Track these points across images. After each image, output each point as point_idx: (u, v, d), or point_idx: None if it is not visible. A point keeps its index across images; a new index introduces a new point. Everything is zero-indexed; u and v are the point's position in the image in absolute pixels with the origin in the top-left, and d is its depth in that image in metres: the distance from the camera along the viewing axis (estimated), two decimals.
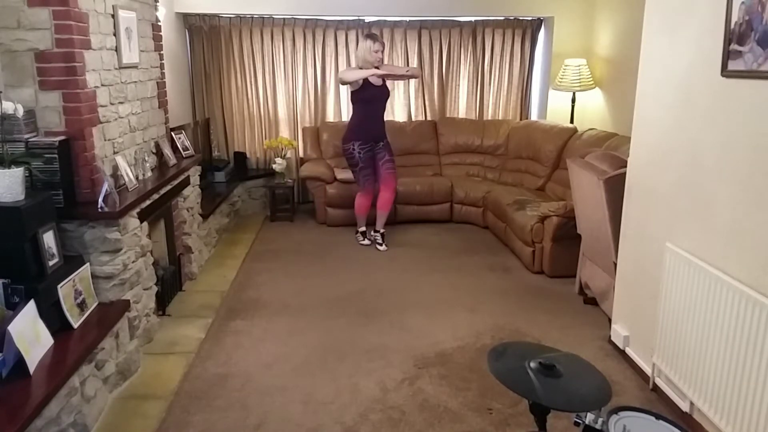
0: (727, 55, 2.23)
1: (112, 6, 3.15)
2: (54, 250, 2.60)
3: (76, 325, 2.60)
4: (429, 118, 6.22)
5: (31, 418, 2.00)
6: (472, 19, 5.97)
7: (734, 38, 2.19)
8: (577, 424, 1.68)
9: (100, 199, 2.84)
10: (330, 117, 6.18)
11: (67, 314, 2.56)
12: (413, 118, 6.22)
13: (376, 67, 4.69)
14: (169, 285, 3.78)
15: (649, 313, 2.82)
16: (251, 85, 5.99)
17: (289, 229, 5.52)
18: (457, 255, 4.70)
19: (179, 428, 2.53)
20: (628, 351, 3.06)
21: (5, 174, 2.38)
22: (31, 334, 2.29)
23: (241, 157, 6.08)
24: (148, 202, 3.29)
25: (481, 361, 3.05)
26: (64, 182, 2.76)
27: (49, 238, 2.57)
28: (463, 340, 3.31)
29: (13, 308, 2.30)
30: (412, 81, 5.99)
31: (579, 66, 5.51)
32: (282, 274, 4.33)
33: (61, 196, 2.75)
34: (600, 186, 3.19)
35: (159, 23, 3.94)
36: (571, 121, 5.70)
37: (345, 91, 6.11)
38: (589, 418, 1.66)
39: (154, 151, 3.82)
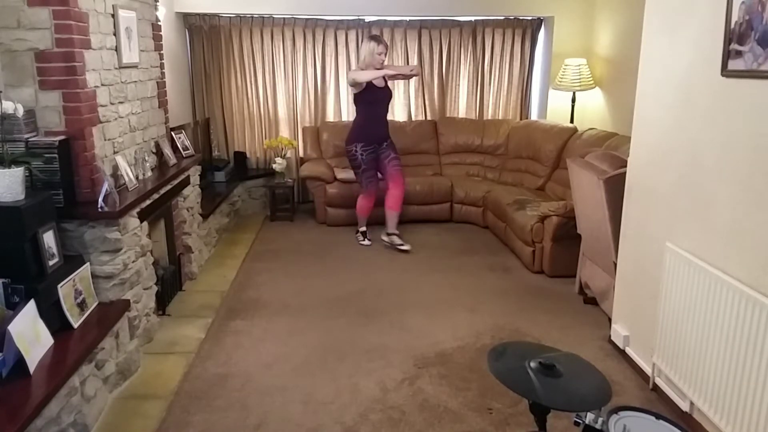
0: (727, 55, 2.23)
1: (112, 6, 3.15)
2: (54, 249, 2.60)
3: (76, 325, 2.60)
4: (429, 118, 6.22)
5: (31, 417, 2.00)
6: (472, 18, 5.97)
7: (734, 38, 2.19)
8: (577, 424, 1.68)
9: (100, 199, 2.84)
10: (330, 117, 6.18)
11: (67, 314, 2.56)
12: (413, 118, 6.22)
13: (379, 69, 4.67)
14: (169, 285, 3.78)
15: (649, 313, 2.82)
16: (251, 85, 5.99)
17: (289, 229, 5.52)
18: (457, 255, 4.70)
19: (179, 428, 2.53)
20: (628, 351, 3.06)
21: (5, 174, 2.38)
22: (31, 334, 2.29)
23: (241, 156, 6.08)
24: (148, 202, 3.29)
25: (481, 361, 3.05)
26: (64, 182, 2.76)
27: (49, 238, 2.57)
28: (463, 340, 3.31)
29: (13, 308, 2.30)
30: (413, 80, 5.99)
31: (579, 66, 5.51)
32: (282, 274, 4.33)
33: (61, 196, 2.75)
34: (600, 186, 3.19)
35: (159, 23, 3.94)
36: (571, 121, 5.70)
37: (345, 91, 6.11)
38: (589, 418, 1.66)
39: (154, 150, 3.82)
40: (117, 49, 3.21)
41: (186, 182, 4.10)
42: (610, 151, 3.77)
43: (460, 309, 3.72)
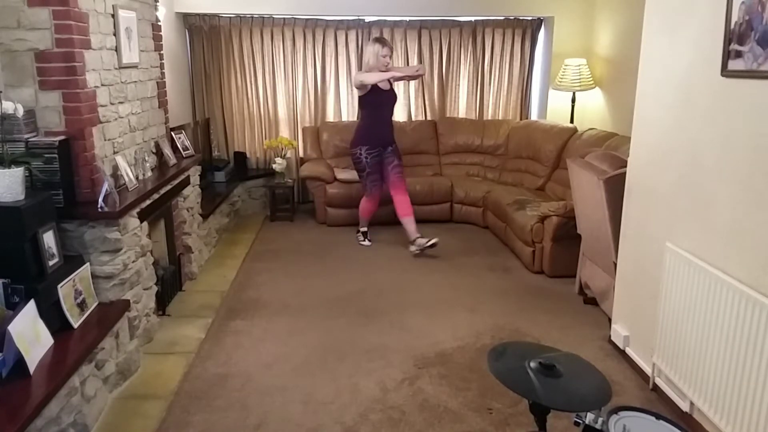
0: (727, 55, 2.23)
1: (112, 6, 3.15)
2: (54, 250, 2.60)
3: (76, 325, 2.60)
4: (429, 118, 6.22)
5: (31, 418, 2.00)
6: (472, 19, 5.97)
7: (734, 38, 2.19)
8: (577, 424, 1.68)
9: (100, 199, 2.84)
10: (330, 117, 6.18)
11: (67, 314, 2.56)
12: (413, 118, 6.22)
13: (384, 71, 4.63)
14: (169, 285, 3.78)
15: (649, 313, 2.82)
16: (251, 85, 5.99)
17: (289, 229, 5.52)
18: (457, 255, 4.70)
19: (179, 428, 2.53)
20: (628, 351, 3.06)
21: (5, 174, 2.38)
22: (31, 334, 2.29)
23: (241, 157, 6.08)
24: (148, 202, 3.29)
25: (481, 361, 3.05)
26: (64, 182, 2.76)
27: (49, 238, 2.57)
28: (463, 340, 3.31)
29: (13, 308, 2.30)
30: (413, 81, 5.98)
31: (579, 66, 5.51)
32: (282, 274, 4.33)
33: (61, 196, 2.75)
34: (600, 186, 3.19)
35: (159, 23, 3.94)
36: (571, 121, 5.70)
37: (345, 91, 6.11)
38: (589, 418, 1.66)
39: (154, 151, 3.82)
40: (117, 49, 3.21)
41: (186, 182, 4.10)
42: (610, 151, 3.77)
43: (460, 309, 3.72)
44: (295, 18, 5.81)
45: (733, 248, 2.22)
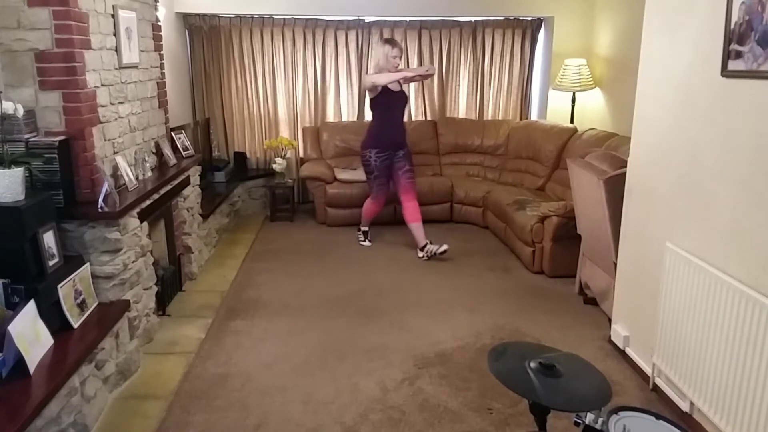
0: (727, 55, 2.23)
1: (112, 6, 3.15)
2: (54, 250, 2.60)
3: (76, 325, 2.60)
4: (429, 118, 6.22)
5: (31, 418, 2.00)
6: (472, 19, 5.97)
7: (734, 38, 2.19)
8: (577, 424, 1.68)
9: (100, 199, 2.84)
10: (330, 117, 6.18)
11: (67, 314, 2.56)
12: (413, 118, 6.22)
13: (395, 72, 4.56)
14: (169, 285, 3.78)
15: (649, 313, 2.82)
16: (251, 85, 5.99)
17: (289, 229, 5.52)
18: (457, 255, 4.70)
19: (179, 428, 2.53)
20: (628, 351, 3.06)
21: (5, 174, 2.38)
22: (31, 334, 2.29)
23: (241, 157, 6.08)
24: (148, 202, 3.29)
25: (481, 361, 3.05)
26: (64, 182, 2.76)
27: (49, 238, 2.57)
28: (463, 340, 3.31)
29: (13, 308, 2.30)
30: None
31: (579, 66, 5.51)
32: (282, 274, 4.33)
33: (61, 196, 2.75)
34: (600, 186, 3.19)
35: (159, 23, 3.94)
36: (571, 121, 5.70)
37: (345, 91, 6.11)
38: (589, 418, 1.66)
39: (154, 151, 3.82)
40: (117, 49, 3.21)
41: (186, 182, 4.10)
42: (610, 151, 3.77)
43: (460, 309, 3.72)
44: (295, 18, 5.81)
45: (733, 248, 2.22)
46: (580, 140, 4.93)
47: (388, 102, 4.63)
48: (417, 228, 4.68)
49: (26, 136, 2.68)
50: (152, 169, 3.69)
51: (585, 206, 3.56)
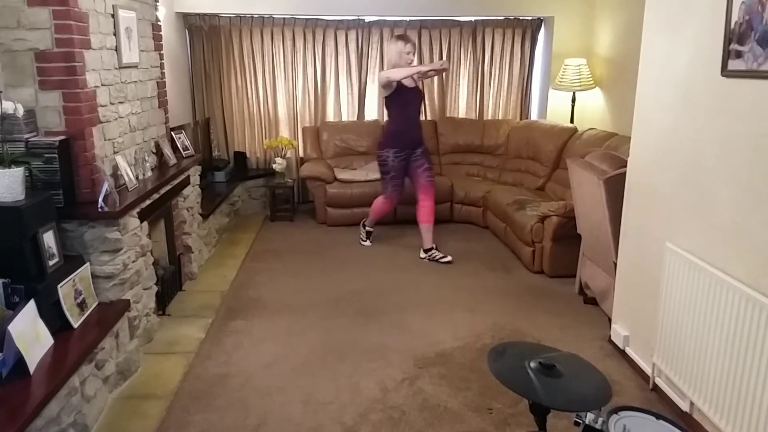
0: (727, 55, 2.23)
1: (112, 6, 3.15)
2: (54, 249, 2.60)
3: (76, 325, 2.60)
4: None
5: (31, 418, 2.00)
6: (472, 19, 5.97)
7: (734, 38, 2.19)
8: (577, 424, 1.68)
9: (100, 199, 2.84)
10: (330, 117, 6.18)
11: (67, 314, 2.56)
12: None
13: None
14: (169, 285, 3.78)
15: (649, 313, 2.82)
16: (251, 85, 5.99)
17: (289, 229, 5.52)
18: (457, 255, 4.69)
19: (179, 428, 2.53)
20: (628, 351, 3.06)
21: (5, 174, 2.38)
22: (31, 334, 2.29)
23: (241, 157, 6.08)
24: (148, 202, 3.29)
25: (481, 361, 3.05)
26: (64, 182, 2.76)
27: (49, 238, 2.57)
28: (463, 340, 3.31)
29: (13, 308, 2.30)
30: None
31: (579, 66, 5.51)
32: (282, 273, 4.33)
33: (61, 196, 2.75)
34: (600, 186, 3.19)
35: (159, 23, 3.94)
36: (571, 121, 5.70)
37: (345, 91, 6.11)
38: (589, 418, 1.66)
39: (154, 150, 3.82)
40: (117, 49, 3.21)
41: (186, 182, 4.10)
42: (610, 151, 3.77)
43: (460, 309, 3.72)
44: (295, 18, 5.81)
45: (733, 248, 2.22)
46: (580, 140, 4.93)
47: (403, 99, 4.52)
48: (427, 229, 4.63)
49: (26, 135, 2.68)
50: (152, 169, 3.69)
51: (585, 206, 3.56)
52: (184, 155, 4.25)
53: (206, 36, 5.78)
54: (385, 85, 4.49)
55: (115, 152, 3.18)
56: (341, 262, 4.57)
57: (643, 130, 2.92)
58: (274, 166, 5.75)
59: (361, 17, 5.88)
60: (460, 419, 2.59)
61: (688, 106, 2.52)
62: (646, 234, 2.88)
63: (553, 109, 5.95)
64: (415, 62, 4.72)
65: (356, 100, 6.15)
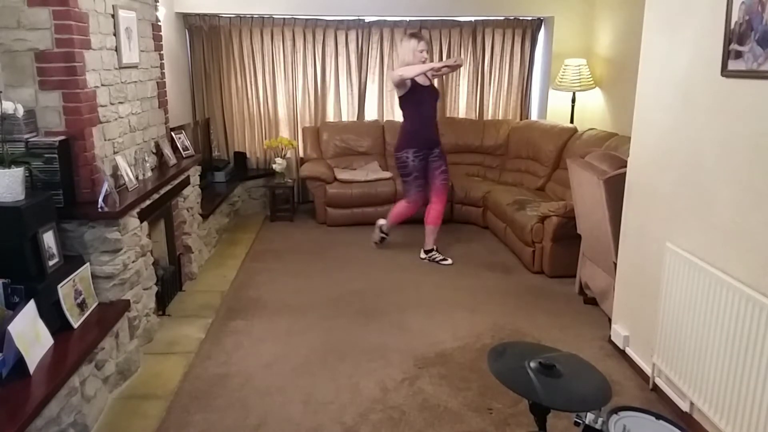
0: (727, 55, 2.23)
1: (112, 6, 3.15)
2: (54, 250, 2.60)
3: (76, 325, 2.60)
4: None
5: (31, 418, 2.00)
6: (472, 19, 5.97)
7: (734, 38, 2.19)
8: (577, 424, 1.68)
9: (100, 199, 2.84)
10: (330, 117, 6.18)
11: (67, 314, 2.56)
12: None
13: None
14: (169, 285, 3.78)
15: (649, 313, 2.82)
16: (251, 85, 5.99)
17: (289, 229, 5.52)
18: (457, 255, 4.69)
19: (179, 428, 2.53)
20: (628, 351, 3.06)
21: (5, 174, 2.38)
22: (31, 334, 2.29)
23: (241, 157, 6.08)
24: (148, 202, 3.29)
25: (481, 361, 3.05)
26: (64, 182, 2.76)
27: (49, 238, 2.57)
28: (463, 340, 3.31)
29: (13, 308, 2.30)
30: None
31: (579, 66, 5.51)
32: (282, 273, 4.33)
33: (61, 196, 2.75)
34: (600, 186, 3.19)
35: (159, 23, 3.94)
36: (571, 121, 5.70)
37: (345, 91, 6.11)
38: (589, 418, 1.66)
39: (154, 151, 3.82)
40: (117, 49, 3.21)
41: (186, 182, 4.10)
42: (610, 151, 3.78)
43: (460, 309, 3.72)
44: (295, 18, 5.81)
45: (733, 248, 2.22)
46: (580, 140, 4.93)
47: (418, 98, 4.40)
48: (432, 231, 4.59)
49: (26, 136, 2.68)
50: (152, 169, 3.69)
51: (585, 206, 3.56)
52: (184, 155, 4.25)
53: (206, 36, 5.78)
54: (398, 83, 4.36)
55: (115, 152, 3.18)
56: (341, 262, 4.57)
57: (643, 130, 2.92)
58: (274, 166, 5.75)
59: (361, 17, 5.88)
60: (460, 419, 2.59)
61: (688, 106, 2.52)
62: (646, 234, 2.88)
63: (553, 109, 5.95)
64: (428, 60, 4.54)
65: (356, 100, 6.16)
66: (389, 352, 3.17)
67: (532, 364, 1.76)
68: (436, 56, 6.03)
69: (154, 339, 3.32)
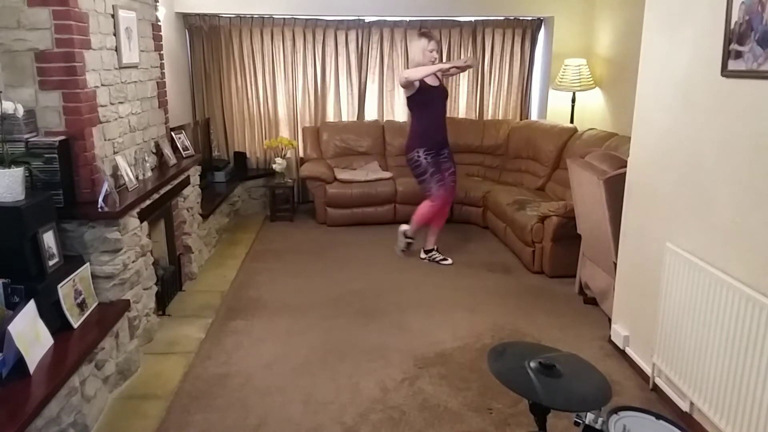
0: (727, 55, 2.23)
1: (112, 6, 3.15)
2: (54, 249, 2.60)
3: (76, 325, 2.60)
4: None
5: (31, 418, 2.00)
6: (472, 19, 5.97)
7: (734, 38, 2.19)
8: (577, 424, 1.68)
9: (100, 199, 2.84)
10: (330, 117, 6.18)
11: (67, 314, 2.56)
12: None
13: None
14: (169, 285, 3.78)
15: (649, 313, 2.82)
16: (251, 85, 5.99)
17: (289, 229, 5.52)
18: (457, 255, 4.69)
19: (179, 428, 2.53)
20: (628, 351, 3.06)
21: (5, 174, 2.38)
22: (31, 334, 2.29)
23: (241, 157, 6.08)
24: (148, 202, 3.29)
25: (481, 361, 3.05)
26: (64, 182, 2.76)
27: (49, 238, 2.57)
28: (463, 340, 3.31)
29: (13, 308, 2.30)
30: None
31: (579, 66, 5.51)
32: (282, 273, 4.33)
33: (61, 196, 2.75)
34: (600, 186, 3.19)
35: (159, 23, 3.94)
36: (571, 121, 5.70)
37: (345, 91, 6.11)
38: (589, 418, 1.66)
39: (154, 151, 3.82)
40: (117, 49, 3.21)
41: (186, 182, 4.10)
42: (610, 151, 3.78)
43: (460, 309, 3.72)
44: (295, 18, 5.81)
45: (733, 248, 2.22)
46: (580, 140, 4.93)
47: (426, 98, 4.32)
48: (434, 232, 4.58)
49: (26, 136, 2.68)
50: (152, 169, 3.69)
51: (585, 206, 3.56)
52: (184, 155, 4.25)
53: (206, 36, 5.78)
54: (405, 85, 4.33)
55: (115, 152, 3.18)
56: (341, 262, 4.57)
57: (643, 130, 2.92)
58: (274, 166, 5.75)
59: (361, 17, 5.88)
60: (460, 419, 2.59)
61: (688, 106, 2.52)
62: (646, 234, 2.88)
63: (553, 109, 5.95)
64: (439, 60, 4.47)
65: (356, 100, 6.16)
66: (389, 352, 3.17)
67: (532, 364, 1.75)
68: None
69: (154, 339, 3.32)
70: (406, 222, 5.02)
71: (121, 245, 2.91)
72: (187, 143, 4.43)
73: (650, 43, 2.85)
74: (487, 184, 5.64)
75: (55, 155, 2.70)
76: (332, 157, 5.88)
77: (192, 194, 4.28)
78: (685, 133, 2.54)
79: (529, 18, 5.94)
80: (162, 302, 3.59)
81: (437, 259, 4.55)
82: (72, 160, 2.82)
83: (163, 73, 4.00)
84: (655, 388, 2.78)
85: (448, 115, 6.14)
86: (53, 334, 2.45)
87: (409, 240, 4.61)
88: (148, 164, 3.55)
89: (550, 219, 4.14)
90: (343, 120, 6.16)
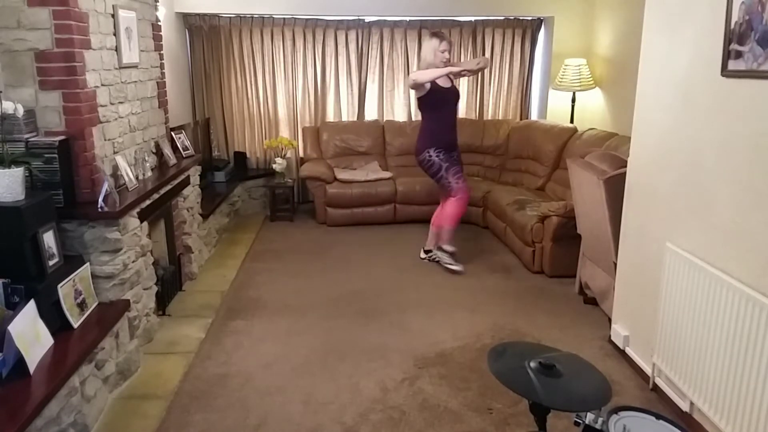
0: (727, 55, 2.23)
1: (112, 6, 3.15)
2: (54, 249, 2.60)
3: (76, 325, 2.60)
4: None
5: (31, 418, 2.00)
6: (472, 19, 5.97)
7: (734, 38, 2.19)
8: (577, 424, 1.68)
9: (100, 199, 2.84)
10: (330, 117, 6.18)
11: (67, 314, 2.56)
12: (413, 118, 6.21)
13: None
14: (169, 285, 3.78)
15: (649, 313, 2.82)
16: (251, 85, 5.99)
17: (289, 229, 5.52)
18: (456, 255, 4.69)
19: (179, 428, 2.53)
20: (628, 351, 3.06)
21: (5, 174, 2.38)
22: (31, 334, 2.29)
23: (241, 157, 6.08)
24: (148, 202, 3.29)
25: (481, 361, 3.05)
26: (64, 182, 2.76)
27: (49, 238, 2.57)
28: (463, 340, 3.31)
29: (13, 308, 2.30)
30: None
31: (579, 66, 5.51)
32: (282, 273, 4.33)
33: (61, 196, 2.75)
34: (600, 186, 3.19)
35: (159, 23, 3.94)
36: (571, 121, 5.70)
37: (345, 91, 6.11)
38: (589, 418, 1.66)
39: (154, 150, 3.82)
40: (117, 49, 3.21)
41: (186, 182, 4.10)
42: (610, 151, 3.78)
43: (460, 309, 3.72)
44: (295, 18, 5.81)
45: (733, 248, 2.22)
46: (580, 140, 4.93)
47: (438, 100, 4.26)
48: (435, 233, 4.55)
49: (26, 136, 2.68)
50: (152, 169, 3.69)
51: (585, 206, 3.56)
52: (184, 155, 4.25)
53: (206, 36, 5.78)
54: (413, 87, 4.29)
55: (115, 152, 3.18)
56: (341, 262, 4.57)
57: (643, 130, 2.92)
58: (274, 166, 5.75)
59: (361, 17, 5.88)
60: (460, 419, 2.59)
61: (688, 106, 2.52)
62: (646, 234, 2.88)
63: (553, 109, 5.95)
64: (453, 60, 4.41)
65: (356, 100, 6.16)
66: (389, 352, 3.17)
67: (532, 364, 1.75)
68: None
69: (154, 339, 3.32)
70: (406, 222, 5.03)
71: (121, 245, 2.91)
72: (187, 143, 4.43)
73: (650, 43, 2.85)
74: (487, 184, 5.64)
75: (55, 155, 2.70)
76: (332, 157, 5.88)
77: (192, 194, 4.28)
78: (685, 133, 2.54)
79: (529, 18, 5.95)
80: (162, 302, 3.59)
81: (437, 258, 4.53)
82: (72, 160, 2.82)
83: (163, 73, 4.00)
84: (655, 388, 2.78)
85: None
86: (53, 334, 2.45)
87: (449, 250, 4.44)
88: (148, 164, 3.55)
89: (550, 219, 4.14)
90: (343, 120, 6.16)
